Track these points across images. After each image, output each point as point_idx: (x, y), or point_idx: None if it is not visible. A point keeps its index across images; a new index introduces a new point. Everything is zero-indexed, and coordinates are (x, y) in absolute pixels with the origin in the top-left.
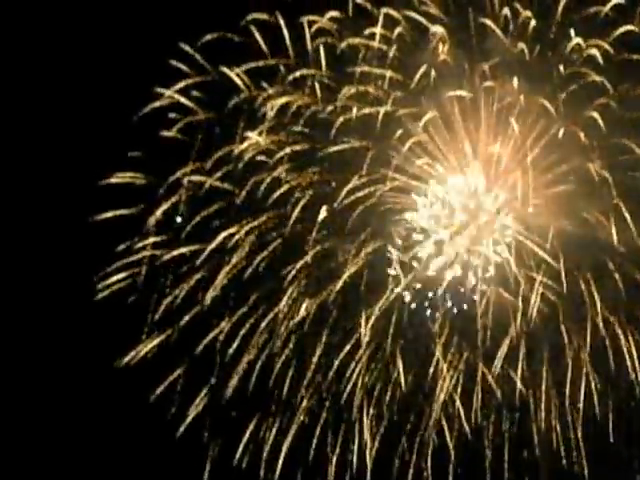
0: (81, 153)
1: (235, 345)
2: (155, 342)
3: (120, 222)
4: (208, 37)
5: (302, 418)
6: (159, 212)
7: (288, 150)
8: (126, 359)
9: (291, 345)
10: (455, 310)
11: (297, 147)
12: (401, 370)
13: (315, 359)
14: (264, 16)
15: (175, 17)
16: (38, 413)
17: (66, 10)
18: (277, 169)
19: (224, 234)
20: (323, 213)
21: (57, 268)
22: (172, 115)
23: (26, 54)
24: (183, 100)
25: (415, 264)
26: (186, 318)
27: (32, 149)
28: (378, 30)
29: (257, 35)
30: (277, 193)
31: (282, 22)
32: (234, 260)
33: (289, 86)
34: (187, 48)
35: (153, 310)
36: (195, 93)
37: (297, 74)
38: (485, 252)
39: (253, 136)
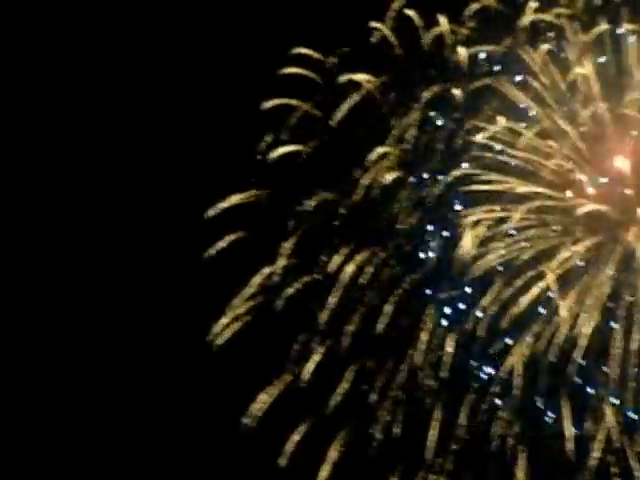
0: (204, 172)
1: (376, 389)
2: (282, 387)
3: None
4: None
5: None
6: (292, 238)
7: (427, 172)
8: (253, 411)
9: (436, 387)
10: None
11: (436, 166)
12: (567, 418)
13: (464, 409)
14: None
15: (304, 26)
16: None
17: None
18: (414, 192)
19: (356, 261)
20: (467, 244)
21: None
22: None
23: (138, 77)
24: (316, 113)
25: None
26: (316, 360)
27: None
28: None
29: (394, 45)
30: (413, 220)
31: (422, 33)
32: (368, 295)
33: (426, 99)
34: (318, 56)
35: (282, 351)
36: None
37: (435, 88)
38: None
39: (389, 153)
